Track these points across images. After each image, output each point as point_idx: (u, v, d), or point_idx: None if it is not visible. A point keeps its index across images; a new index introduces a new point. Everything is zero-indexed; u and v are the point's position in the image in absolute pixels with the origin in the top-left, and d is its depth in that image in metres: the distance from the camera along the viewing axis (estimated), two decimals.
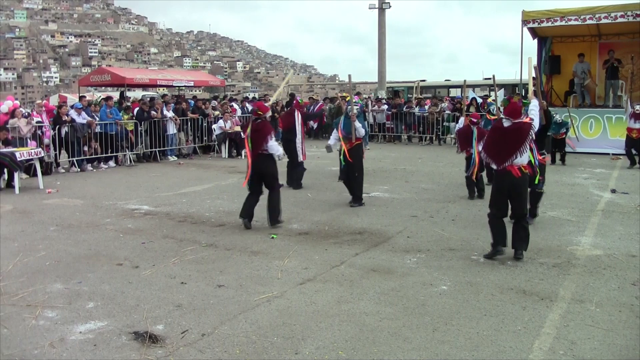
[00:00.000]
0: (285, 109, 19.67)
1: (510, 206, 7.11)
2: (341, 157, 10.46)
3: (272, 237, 8.10)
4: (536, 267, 6.70)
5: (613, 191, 11.83)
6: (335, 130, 10.73)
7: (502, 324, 5.06)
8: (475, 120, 10.79)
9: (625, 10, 19.30)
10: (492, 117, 11.34)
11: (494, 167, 7.12)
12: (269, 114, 9.23)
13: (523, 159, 6.94)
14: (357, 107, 11.25)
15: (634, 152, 15.89)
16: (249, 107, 21.98)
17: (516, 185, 6.94)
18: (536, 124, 7.27)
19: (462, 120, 11.57)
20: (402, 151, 19.98)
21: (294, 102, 13.20)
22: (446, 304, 5.55)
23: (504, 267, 6.69)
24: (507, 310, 5.36)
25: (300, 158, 12.06)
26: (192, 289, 6.01)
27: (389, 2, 29.73)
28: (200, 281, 6.24)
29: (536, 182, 8.04)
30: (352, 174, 10.30)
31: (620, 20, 19.40)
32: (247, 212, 8.78)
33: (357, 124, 10.21)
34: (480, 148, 8.65)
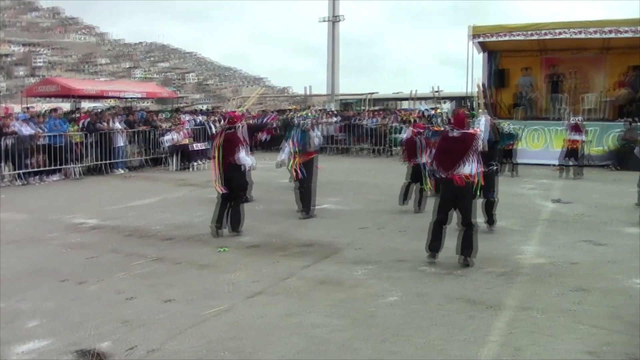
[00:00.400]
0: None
1: (455, 214, 7.34)
2: (289, 167, 10.52)
3: (222, 250, 8.05)
4: (483, 276, 6.83)
5: (556, 201, 12.17)
6: (287, 144, 10.69)
7: (450, 333, 5.13)
8: (419, 130, 10.81)
9: (567, 28, 20.04)
10: (436, 128, 11.53)
11: (441, 175, 7.29)
12: (242, 124, 9.35)
13: (467, 168, 7.12)
14: (309, 120, 11.33)
15: (571, 162, 16.43)
16: (200, 119, 21.86)
17: (460, 194, 7.17)
18: (484, 137, 7.56)
19: (407, 130, 11.63)
20: (352, 163, 20.12)
21: (238, 115, 12.95)
22: (395, 314, 5.60)
23: (452, 277, 6.80)
24: (455, 320, 5.44)
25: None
26: (140, 304, 5.92)
27: (340, 15, 30.04)
28: (148, 296, 6.15)
29: (478, 193, 8.24)
30: (303, 186, 10.37)
31: (562, 36, 20.12)
32: (217, 219, 8.92)
33: (313, 134, 10.46)
34: (425, 158, 8.99)
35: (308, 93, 33.46)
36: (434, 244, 7.34)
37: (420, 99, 27.73)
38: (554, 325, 5.30)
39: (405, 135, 11.74)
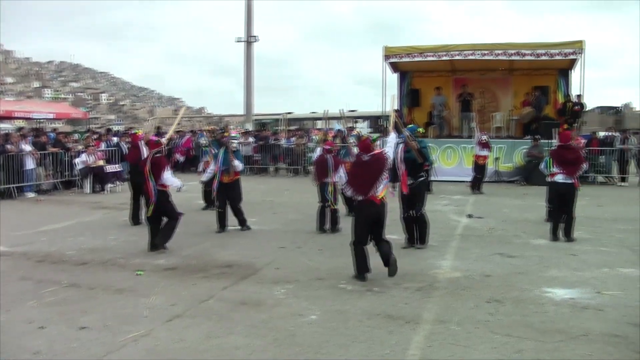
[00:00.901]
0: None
1: (371, 234, 7.51)
2: (215, 187, 10.87)
3: (138, 274, 7.86)
4: (401, 291, 6.96)
5: (469, 216, 12.59)
6: (213, 165, 11.06)
7: (371, 349, 5.19)
8: (330, 149, 10.75)
9: (475, 50, 20.91)
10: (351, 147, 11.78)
11: (358, 197, 7.47)
12: (163, 148, 9.70)
13: (381, 188, 7.41)
14: (237, 141, 11.55)
15: (478, 176, 17.10)
16: (115, 139, 21.33)
17: (379, 214, 7.41)
18: (389, 155, 7.85)
19: (318, 150, 11.66)
20: (269, 183, 20.14)
21: (139, 136, 12.65)
22: (316, 333, 5.62)
23: (371, 294, 6.90)
24: (375, 336, 5.51)
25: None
26: (52, 333, 5.69)
27: (255, 36, 30.12)
28: (61, 324, 5.92)
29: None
30: (233, 205, 10.96)
31: (470, 57, 20.97)
32: (154, 246, 9.20)
33: (236, 162, 10.87)
34: (336, 178, 9.72)
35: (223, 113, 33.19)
36: (362, 266, 7.47)
37: (332, 118, 28.16)
38: (470, 337, 5.46)
39: (316, 154, 11.73)
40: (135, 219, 11.73)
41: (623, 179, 21.00)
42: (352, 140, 12.52)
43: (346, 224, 10.94)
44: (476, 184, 17.16)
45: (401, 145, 9.02)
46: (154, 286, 7.24)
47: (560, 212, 10.06)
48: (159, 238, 9.18)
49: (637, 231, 11.06)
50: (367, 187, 7.38)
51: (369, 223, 7.46)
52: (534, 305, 6.43)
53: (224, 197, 10.91)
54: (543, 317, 6.05)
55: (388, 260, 7.26)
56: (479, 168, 17.28)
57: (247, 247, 9.60)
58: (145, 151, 11.44)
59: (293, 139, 23.84)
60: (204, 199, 13.54)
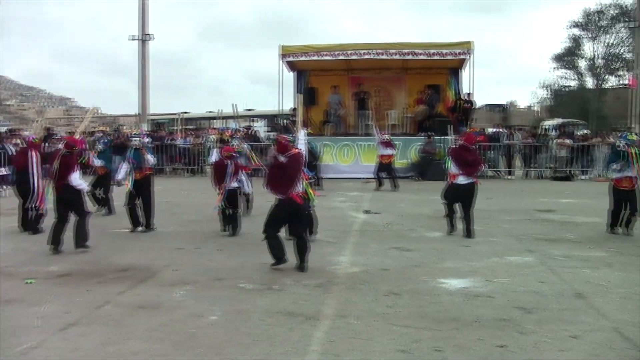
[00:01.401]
0: (45, 145, 18.16)
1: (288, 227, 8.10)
2: (130, 186, 10.78)
3: (29, 282, 7.47)
4: (301, 288, 6.99)
5: (366, 212, 12.84)
6: (124, 163, 10.95)
7: (272, 347, 5.18)
8: (229, 154, 10.47)
9: (370, 49, 21.38)
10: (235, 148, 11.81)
11: (279, 197, 7.74)
12: (79, 147, 9.80)
13: (300, 186, 7.80)
14: (140, 138, 11.35)
15: (384, 175, 17.44)
16: None
17: (298, 211, 7.81)
18: (304, 153, 8.24)
19: (215, 152, 11.50)
20: (166, 184, 19.68)
21: (28, 140, 11.95)
22: (216, 334, 5.54)
23: (271, 292, 6.89)
24: (276, 334, 5.50)
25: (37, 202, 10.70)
26: None
27: (150, 34, 29.41)
28: None
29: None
30: (145, 202, 10.87)
31: (366, 57, 21.44)
32: (55, 239, 8.98)
33: (149, 156, 10.96)
34: (236, 183, 10.09)
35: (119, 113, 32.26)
36: (278, 253, 7.81)
37: (227, 117, 28.03)
38: (369, 330, 5.56)
39: (213, 158, 11.55)
40: (25, 225, 11.10)
41: (510, 173, 22.14)
42: (235, 143, 12.46)
43: (248, 223, 10.91)
44: (381, 182, 17.39)
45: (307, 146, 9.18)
46: (46, 294, 6.89)
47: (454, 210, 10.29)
48: (77, 241, 9.12)
49: (523, 221, 11.72)
50: (286, 187, 7.65)
51: (283, 219, 7.85)
52: (429, 296, 6.64)
53: (135, 194, 10.79)
54: (438, 306, 6.26)
55: (302, 259, 7.74)
56: (385, 167, 17.49)
57: (144, 249, 9.34)
58: (34, 156, 10.85)
59: (190, 138, 23.48)
60: (94, 202, 12.95)
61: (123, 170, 10.97)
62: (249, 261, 8.31)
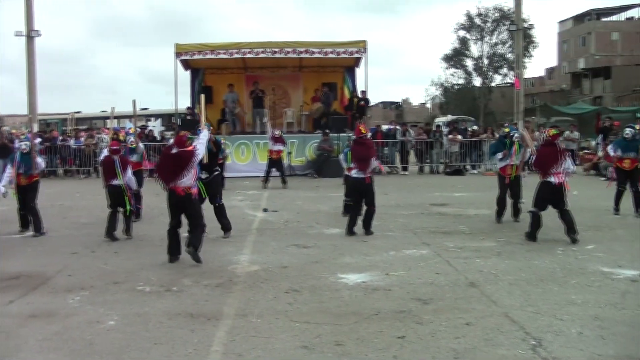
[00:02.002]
0: None
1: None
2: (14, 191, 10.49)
3: None
4: (201, 289, 6.93)
5: (265, 210, 12.87)
6: (9, 169, 10.53)
7: (173, 349, 5.11)
8: (116, 149, 10.30)
9: (265, 47, 21.40)
10: (130, 145, 11.84)
11: (164, 186, 8.16)
12: None
13: (187, 181, 8.08)
14: (28, 142, 10.81)
15: (274, 171, 17.54)
16: None
17: (183, 203, 8.13)
18: (201, 152, 8.40)
19: (105, 151, 11.17)
20: (58, 186, 18.91)
21: None
22: (115, 339, 5.40)
23: (170, 294, 6.78)
24: (177, 336, 5.43)
25: None
26: None
27: (37, 30, 28.04)
28: None
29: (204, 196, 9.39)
30: (28, 206, 10.51)
31: (261, 55, 21.46)
32: None
33: (39, 160, 10.74)
34: (126, 179, 10.06)
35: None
36: (174, 250, 8.25)
37: (120, 117, 27.35)
38: (271, 327, 5.59)
39: (102, 155, 11.23)
40: None
41: (405, 168, 22.80)
42: (131, 139, 12.17)
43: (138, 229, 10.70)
44: (268, 179, 17.49)
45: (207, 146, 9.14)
46: None
47: (357, 207, 10.24)
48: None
49: (418, 215, 12.12)
50: (171, 178, 8.04)
51: (176, 210, 8.19)
52: (329, 292, 6.75)
53: (22, 197, 10.50)
54: (338, 301, 6.38)
55: (192, 249, 8.06)
56: (274, 162, 17.63)
57: (35, 255, 8.94)
58: None
59: (82, 139, 22.64)
60: None
61: (6, 177, 10.57)
62: (147, 263, 8.16)
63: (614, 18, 64.85)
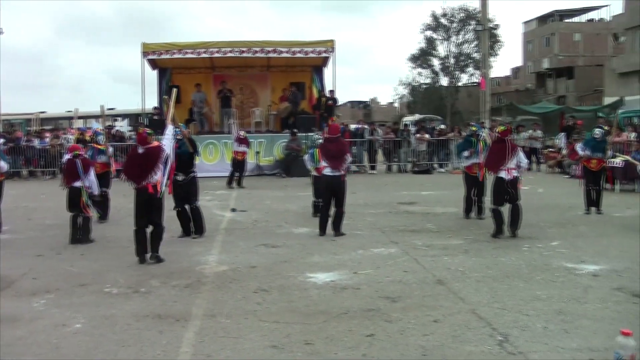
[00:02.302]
0: None
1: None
2: None
3: None
4: (169, 290, 6.88)
5: (233, 210, 12.84)
6: None
7: (142, 351, 5.07)
8: (77, 153, 10.04)
9: (233, 47, 21.35)
10: (99, 146, 11.74)
11: (133, 186, 8.19)
12: None
13: (157, 177, 8.13)
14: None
15: (237, 173, 17.57)
16: None
17: (151, 201, 8.16)
18: (168, 147, 8.33)
19: (67, 153, 10.76)
20: (21, 188, 18.60)
21: None
22: (82, 342, 5.33)
23: (138, 295, 6.72)
24: (145, 337, 5.39)
25: None
26: None
27: (0, 28, 27.59)
28: None
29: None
30: None
31: (229, 55, 21.43)
32: None
33: (2, 163, 10.63)
34: (87, 182, 9.83)
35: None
36: (141, 249, 8.21)
37: (84, 117, 27.06)
38: (240, 327, 5.58)
39: (65, 158, 10.87)
40: None
41: (373, 167, 22.93)
42: (101, 139, 12.00)
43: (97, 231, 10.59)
44: (233, 179, 17.50)
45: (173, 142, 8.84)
46: None
47: (328, 206, 10.11)
48: None
49: (386, 214, 12.21)
50: (140, 176, 8.07)
51: (142, 209, 8.19)
52: (298, 291, 6.76)
53: None
54: (307, 301, 6.40)
55: (153, 248, 8.20)
56: (238, 164, 17.65)
57: None
58: None
59: (47, 139, 22.29)
60: None
61: None
62: (114, 265, 8.07)
63: (576, 20, 66.05)
